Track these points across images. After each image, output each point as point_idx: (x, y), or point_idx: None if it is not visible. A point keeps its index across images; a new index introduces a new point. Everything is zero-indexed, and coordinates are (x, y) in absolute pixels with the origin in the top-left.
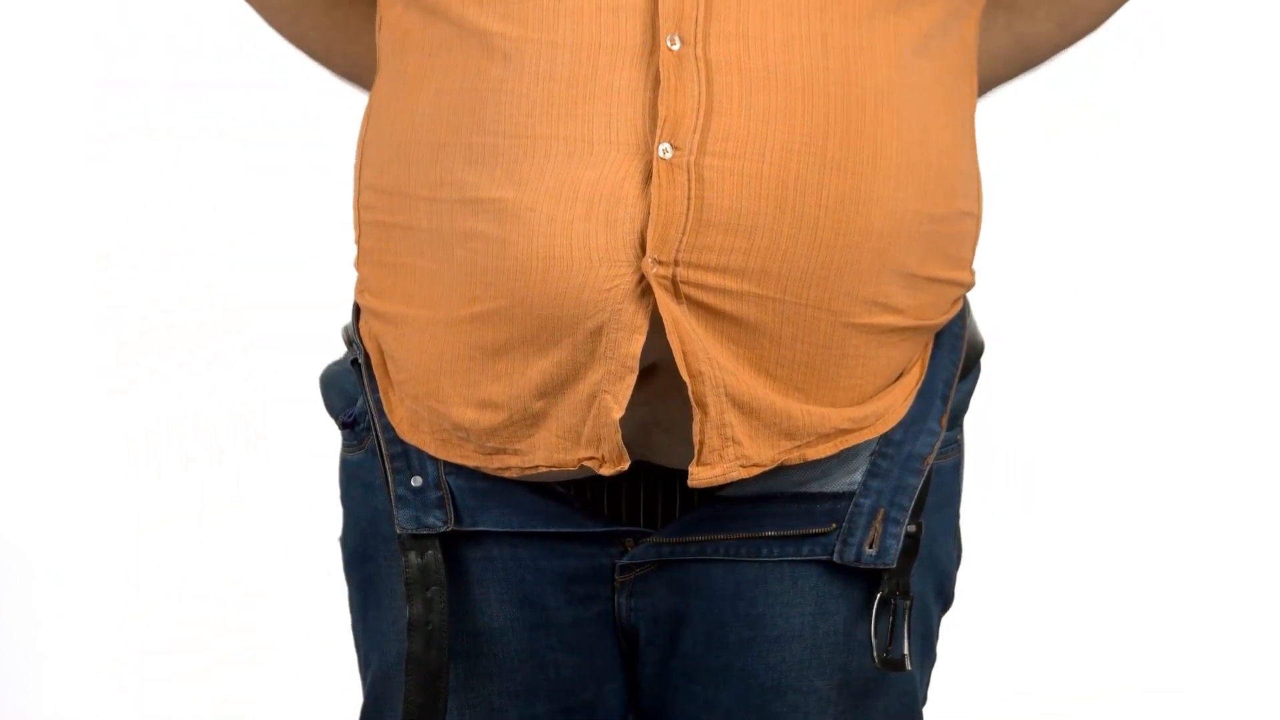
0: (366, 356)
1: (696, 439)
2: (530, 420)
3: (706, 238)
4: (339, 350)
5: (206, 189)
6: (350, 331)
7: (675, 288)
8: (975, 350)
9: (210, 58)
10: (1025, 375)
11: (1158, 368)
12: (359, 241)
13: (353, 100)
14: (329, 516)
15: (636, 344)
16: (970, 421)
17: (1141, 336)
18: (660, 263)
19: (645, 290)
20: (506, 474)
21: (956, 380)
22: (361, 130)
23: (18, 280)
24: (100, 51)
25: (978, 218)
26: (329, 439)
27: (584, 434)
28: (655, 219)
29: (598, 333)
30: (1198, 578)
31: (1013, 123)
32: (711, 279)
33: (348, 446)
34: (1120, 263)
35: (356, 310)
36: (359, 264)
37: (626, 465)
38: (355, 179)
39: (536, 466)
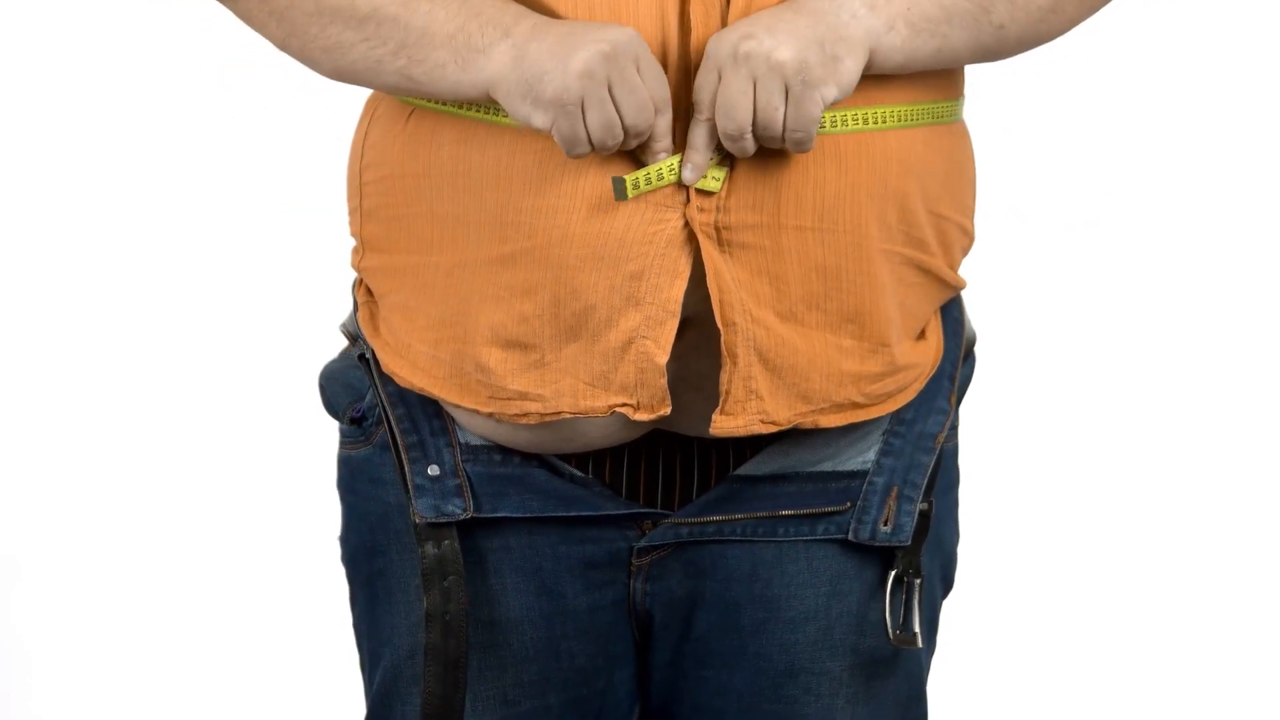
0: (374, 353)
1: (723, 389)
2: (556, 365)
3: (743, 180)
4: (338, 349)
5: (206, 188)
6: (352, 326)
7: (718, 233)
8: (969, 339)
9: (211, 57)
10: (1010, 369)
11: (1146, 360)
12: (359, 206)
13: (356, 97)
14: (329, 516)
15: (678, 288)
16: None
17: (1129, 329)
18: (703, 210)
19: (690, 236)
20: (525, 420)
21: (961, 361)
22: (373, 93)
23: (18, 280)
24: (100, 51)
25: (974, 180)
26: (329, 438)
27: (616, 380)
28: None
29: (637, 276)
30: (1188, 573)
31: (1001, 119)
32: (752, 218)
33: (352, 443)
34: (1109, 259)
35: (356, 304)
36: (361, 227)
37: (667, 410)
38: (357, 141)
39: (560, 412)
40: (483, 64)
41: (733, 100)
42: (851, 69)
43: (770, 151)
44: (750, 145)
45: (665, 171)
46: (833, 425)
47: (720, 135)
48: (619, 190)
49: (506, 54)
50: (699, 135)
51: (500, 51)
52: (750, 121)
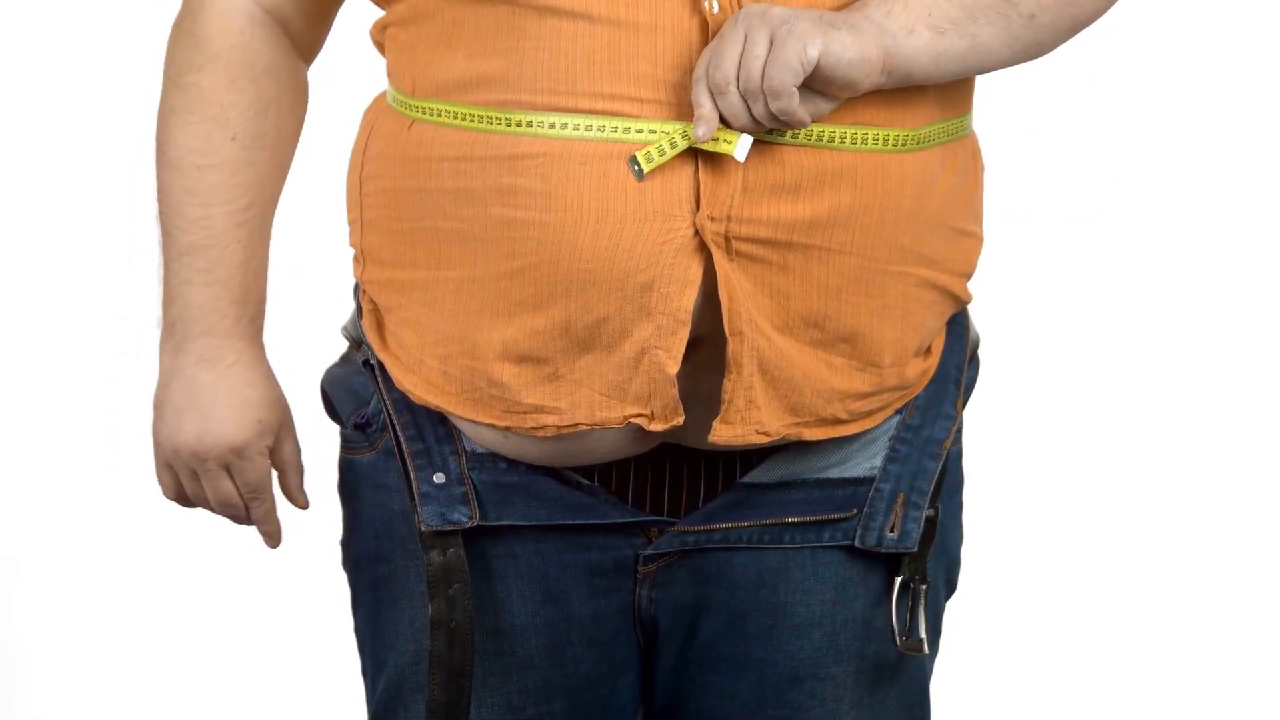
0: (382, 365)
1: (726, 397)
2: (571, 377)
3: (755, 193)
4: (338, 351)
5: None
6: (356, 330)
7: (727, 243)
8: (973, 343)
9: None
10: (1013, 371)
11: (1148, 362)
12: (360, 216)
13: (357, 99)
14: (329, 516)
15: (689, 298)
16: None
17: (1132, 330)
18: (714, 219)
19: (699, 245)
20: (541, 433)
21: (966, 365)
22: (372, 104)
23: (18, 281)
24: (100, 50)
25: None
26: (328, 441)
27: (631, 390)
28: (705, 179)
29: (648, 287)
30: (1189, 575)
31: (1003, 122)
32: (763, 232)
33: (356, 448)
34: (1111, 261)
35: (359, 309)
36: (362, 237)
37: (681, 420)
38: (357, 152)
39: (577, 425)
40: (167, 367)
41: (722, 50)
42: (848, 41)
43: (785, 166)
44: (737, 102)
45: (678, 138)
46: (814, 439)
47: (711, 89)
48: (635, 170)
49: (167, 377)
50: (697, 92)
51: (165, 367)
52: (735, 70)
